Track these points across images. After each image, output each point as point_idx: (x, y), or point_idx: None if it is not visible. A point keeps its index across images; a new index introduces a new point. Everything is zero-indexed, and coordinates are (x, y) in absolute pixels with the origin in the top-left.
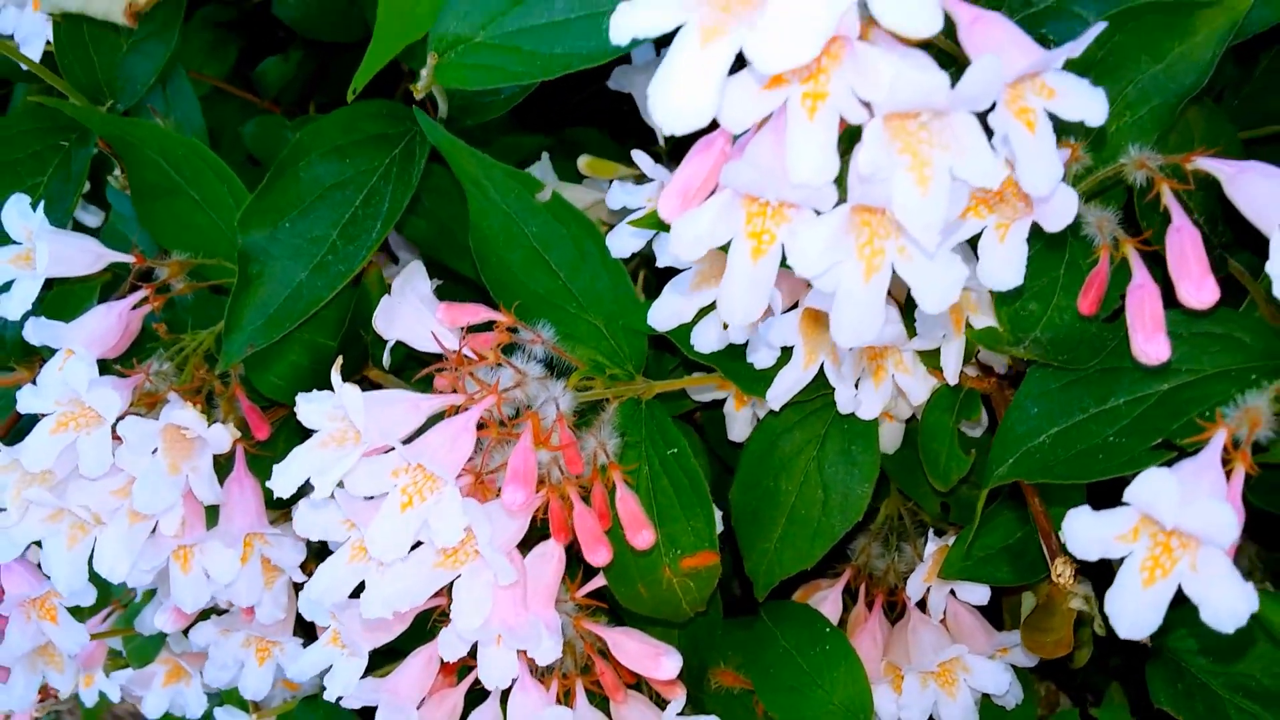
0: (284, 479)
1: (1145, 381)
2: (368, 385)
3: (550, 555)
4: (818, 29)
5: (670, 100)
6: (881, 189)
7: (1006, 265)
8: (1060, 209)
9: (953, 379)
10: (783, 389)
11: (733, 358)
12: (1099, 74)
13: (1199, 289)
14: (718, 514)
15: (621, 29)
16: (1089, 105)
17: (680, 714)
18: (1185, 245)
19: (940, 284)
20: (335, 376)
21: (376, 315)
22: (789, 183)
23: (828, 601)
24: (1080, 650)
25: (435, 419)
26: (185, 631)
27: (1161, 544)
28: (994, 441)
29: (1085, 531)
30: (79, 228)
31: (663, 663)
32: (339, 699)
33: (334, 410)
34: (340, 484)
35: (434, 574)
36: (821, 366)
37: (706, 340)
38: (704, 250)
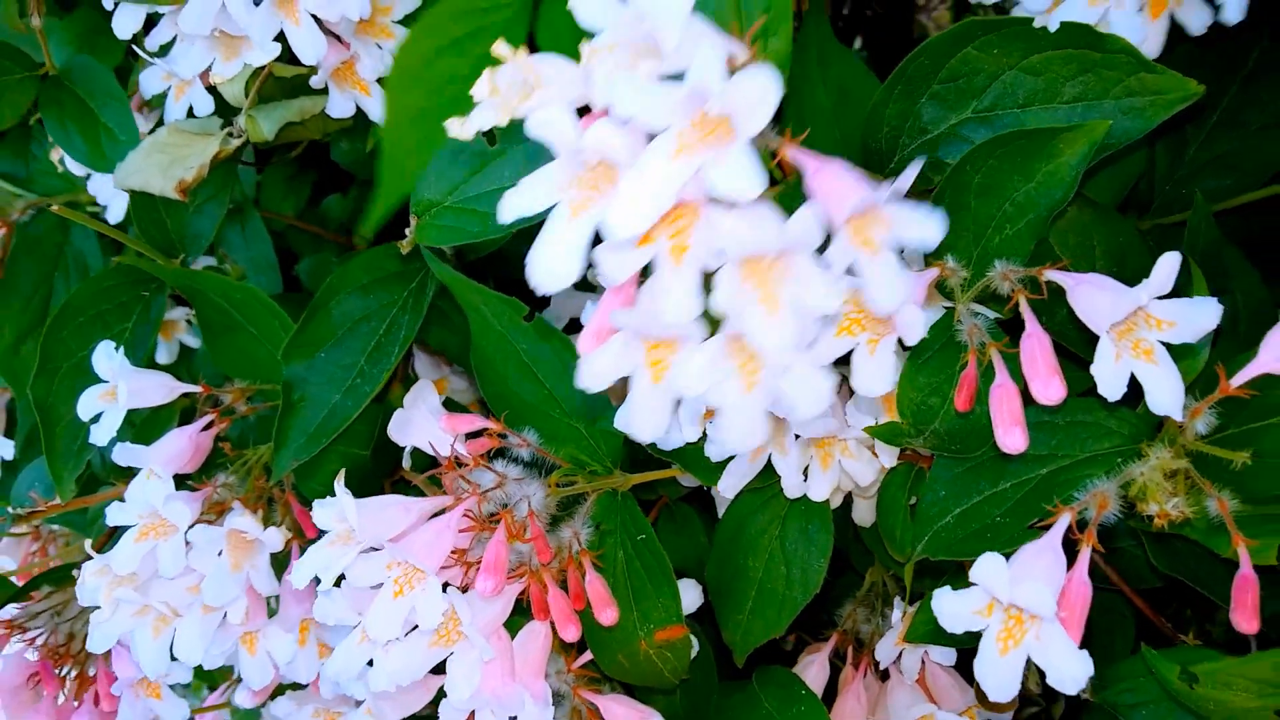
0: (300, 573)
1: (1029, 466)
2: (402, 483)
3: (536, 632)
4: (653, 206)
5: (542, 266)
6: (740, 319)
7: (876, 376)
8: (912, 325)
9: (889, 462)
10: (732, 480)
11: (691, 452)
12: (980, 193)
13: (1046, 388)
14: (698, 589)
15: (507, 210)
16: (923, 229)
17: None
18: (1035, 349)
19: (807, 394)
20: (338, 485)
21: (391, 426)
22: (662, 322)
23: (815, 664)
24: (1054, 704)
25: (436, 515)
26: None
27: (1014, 618)
28: (914, 520)
29: (949, 607)
30: (184, 350)
31: None
32: None
33: (338, 514)
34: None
35: (430, 652)
36: (770, 456)
37: (666, 439)
38: (608, 383)
